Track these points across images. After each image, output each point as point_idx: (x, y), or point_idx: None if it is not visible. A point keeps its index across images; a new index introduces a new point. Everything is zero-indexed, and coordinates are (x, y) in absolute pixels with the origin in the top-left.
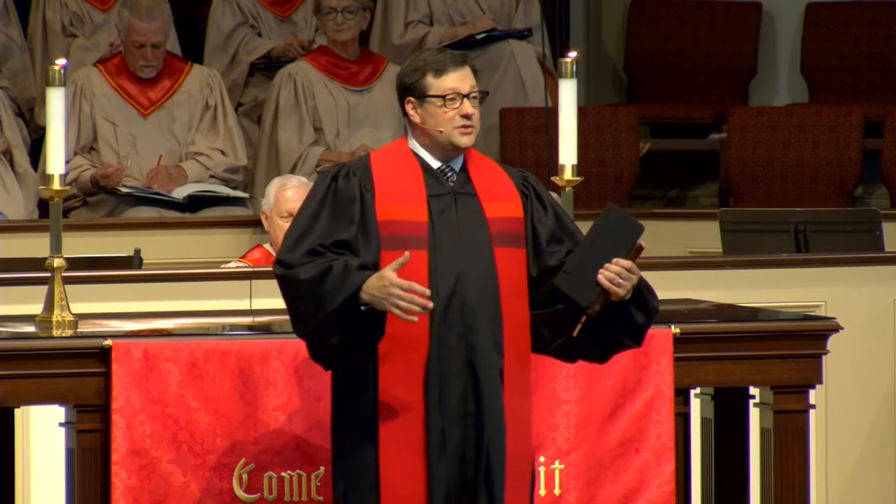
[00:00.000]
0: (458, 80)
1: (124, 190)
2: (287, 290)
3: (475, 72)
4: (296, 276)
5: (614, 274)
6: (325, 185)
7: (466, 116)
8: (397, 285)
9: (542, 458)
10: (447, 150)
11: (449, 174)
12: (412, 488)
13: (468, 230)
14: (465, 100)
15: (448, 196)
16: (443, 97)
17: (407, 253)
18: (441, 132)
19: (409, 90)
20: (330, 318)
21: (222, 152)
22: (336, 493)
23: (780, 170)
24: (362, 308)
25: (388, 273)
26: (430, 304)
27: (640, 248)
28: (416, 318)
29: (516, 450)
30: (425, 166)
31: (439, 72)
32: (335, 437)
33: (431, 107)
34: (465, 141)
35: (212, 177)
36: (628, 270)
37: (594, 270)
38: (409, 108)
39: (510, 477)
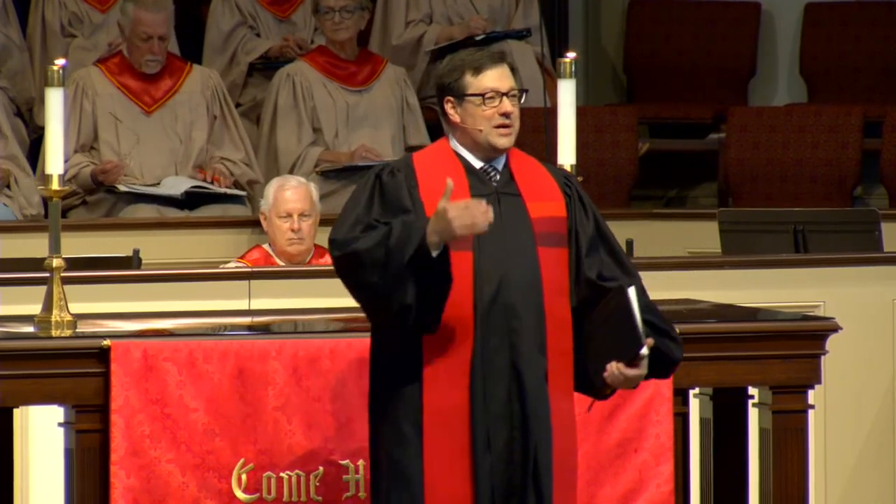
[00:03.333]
0: (497, 78)
1: (122, 188)
2: (350, 266)
3: (513, 70)
4: (357, 248)
5: (616, 380)
6: (370, 181)
7: (505, 115)
8: (453, 207)
9: None
10: (487, 150)
11: (492, 174)
12: (458, 488)
13: (512, 230)
14: (505, 98)
15: (492, 196)
16: (482, 95)
17: (450, 180)
18: (481, 131)
19: (448, 90)
20: (405, 271)
21: (246, 164)
22: (377, 494)
23: (780, 170)
24: (433, 255)
25: (441, 205)
26: (491, 213)
27: (643, 357)
28: (486, 227)
29: (563, 451)
30: (468, 166)
31: (478, 70)
32: (374, 437)
33: (471, 106)
34: (503, 142)
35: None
36: (630, 379)
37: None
38: (448, 107)
39: (557, 479)
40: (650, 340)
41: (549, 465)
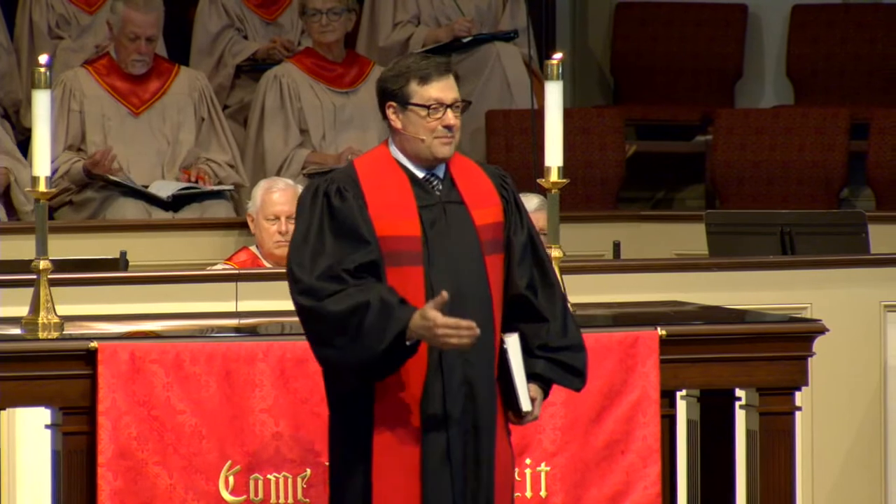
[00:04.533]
0: (442, 89)
1: (113, 178)
2: (316, 322)
3: (458, 79)
4: (328, 310)
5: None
6: (318, 203)
7: (448, 128)
8: (443, 325)
9: (528, 461)
10: (428, 159)
11: (434, 182)
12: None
13: (460, 241)
14: (448, 110)
15: (437, 206)
16: (427, 107)
17: (445, 293)
18: (422, 140)
19: (391, 95)
20: (380, 357)
21: (232, 166)
22: None
23: (766, 172)
24: (408, 343)
25: (431, 314)
26: (478, 331)
27: (526, 415)
28: (470, 343)
29: (504, 460)
30: (411, 176)
31: (423, 80)
32: (331, 453)
33: (414, 115)
34: (445, 151)
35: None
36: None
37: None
38: (389, 112)
39: (499, 487)
40: (531, 397)
41: (493, 477)
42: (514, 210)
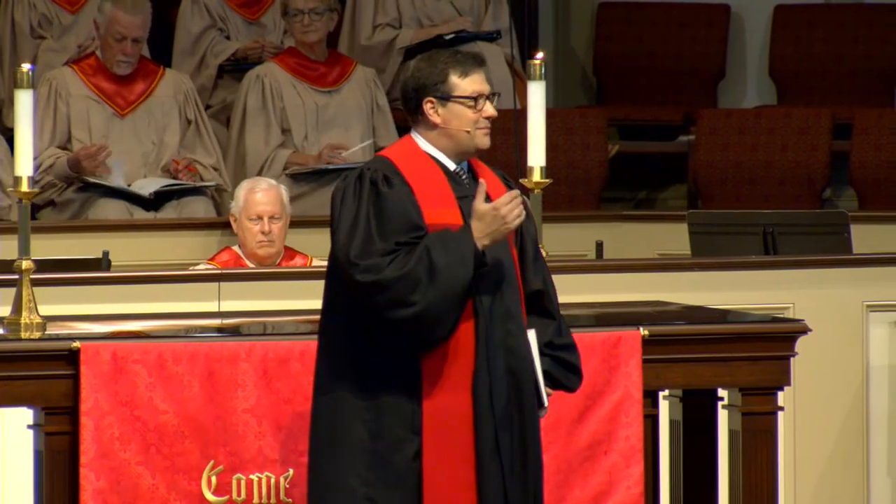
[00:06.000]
0: (482, 82)
1: (92, 179)
2: (381, 291)
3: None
4: (387, 276)
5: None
6: (366, 190)
7: (490, 118)
8: (501, 204)
9: None
10: (465, 152)
11: (464, 176)
12: (462, 495)
13: None
14: (489, 101)
15: (468, 198)
16: (473, 98)
17: (482, 180)
18: (467, 133)
19: (431, 90)
20: (462, 289)
21: (216, 169)
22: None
23: (749, 172)
24: (488, 263)
25: (481, 206)
26: (520, 195)
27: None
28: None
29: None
30: (444, 168)
31: (464, 73)
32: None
33: (459, 108)
34: (486, 141)
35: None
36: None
37: None
38: (428, 107)
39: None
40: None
41: (540, 471)
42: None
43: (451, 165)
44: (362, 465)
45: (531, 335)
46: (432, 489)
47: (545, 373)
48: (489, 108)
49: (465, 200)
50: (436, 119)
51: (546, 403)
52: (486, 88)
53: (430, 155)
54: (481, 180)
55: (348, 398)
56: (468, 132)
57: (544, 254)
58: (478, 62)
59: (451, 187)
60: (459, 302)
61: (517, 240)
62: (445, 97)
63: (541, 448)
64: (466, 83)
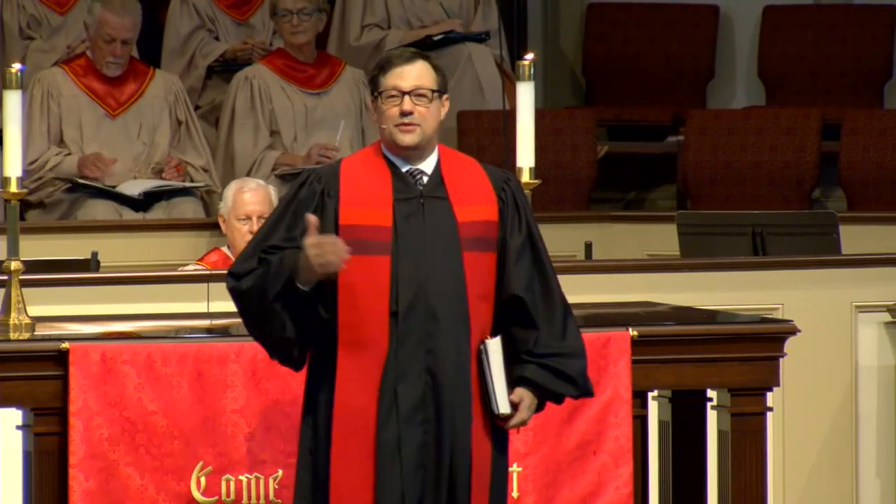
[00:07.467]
0: (401, 76)
1: (81, 181)
2: (236, 301)
3: (437, 69)
4: (240, 286)
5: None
6: (291, 192)
7: (404, 114)
8: (309, 245)
9: None
10: (399, 150)
11: (418, 177)
12: (360, 495)
13: (435, 235)
14: (406, 97)
15: (415, 200)
16: (386, 93)
17: (311, 216)
18: (384, 129)
19: (371, 88)
20: (274, 305)
21: (206, 171)
22: (295, 497)
23: (738, 172)
24: (305, 289)
25: (303, 242)
26: (345, 250)
27: (503, 416)
28: (343, 265)
29: (481, 455)
30: (394, 170)
31: (383, 69)
32: (300, 442)
33: (380, 104)
34: (405, 139)
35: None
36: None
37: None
38: (372, 106)
39: (475, 482)
40: (512, 400)
41: (468, 471)
42: (512, 211)
43: (404, 167)
44: (304, 468)
45: (493, 341)
46: (337, 488)
47: (526, 380)
48: (405, 103)
49: (406, 202)
50: (374, 117)
51: (501, 410)
52: (404, 83)
53: (385, 156)
54: (308, 215)
55: (305, 398)
56: (384, 128)
57: None
58: (405, 58)
59: (394, 188)
60: (277, 315)
61: (499, 244)
62: (375, 94)
63: (485, 450)
64: (386, 78)
